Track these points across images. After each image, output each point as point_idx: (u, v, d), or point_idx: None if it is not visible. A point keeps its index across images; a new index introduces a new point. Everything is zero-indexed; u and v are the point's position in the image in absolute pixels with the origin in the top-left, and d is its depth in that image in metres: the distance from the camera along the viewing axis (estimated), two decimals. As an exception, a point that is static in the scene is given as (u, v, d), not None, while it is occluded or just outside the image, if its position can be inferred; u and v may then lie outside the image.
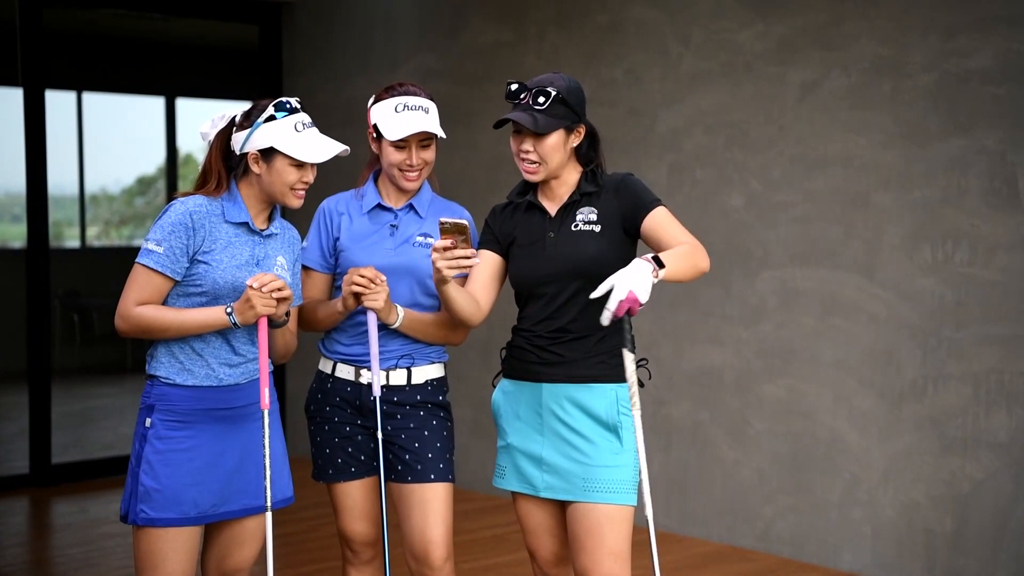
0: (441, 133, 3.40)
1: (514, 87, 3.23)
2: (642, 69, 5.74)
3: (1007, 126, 4.58)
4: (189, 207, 3.13)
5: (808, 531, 5.20)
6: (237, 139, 3.18)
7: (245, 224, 3.20)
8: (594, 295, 3.01)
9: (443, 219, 3.10)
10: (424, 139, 3.41)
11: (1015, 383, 4.58)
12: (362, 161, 3.63)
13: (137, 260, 3.12)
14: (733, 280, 5.42)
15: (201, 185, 3.21)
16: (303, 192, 3.20)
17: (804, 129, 5.17)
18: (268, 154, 3.15)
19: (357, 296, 3.32)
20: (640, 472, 3.14)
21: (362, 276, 3.29)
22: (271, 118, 3.14)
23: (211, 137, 3.23)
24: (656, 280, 3.01)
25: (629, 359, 3.10)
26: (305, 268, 3.52)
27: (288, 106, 3.16)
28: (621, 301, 2.94)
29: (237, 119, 3.20)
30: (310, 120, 3.20)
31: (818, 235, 5.13)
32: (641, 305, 2.96)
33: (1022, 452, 4.57)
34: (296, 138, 3.14)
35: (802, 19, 5.15)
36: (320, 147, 3.17)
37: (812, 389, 5.17)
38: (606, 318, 2.97)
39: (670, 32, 5.62)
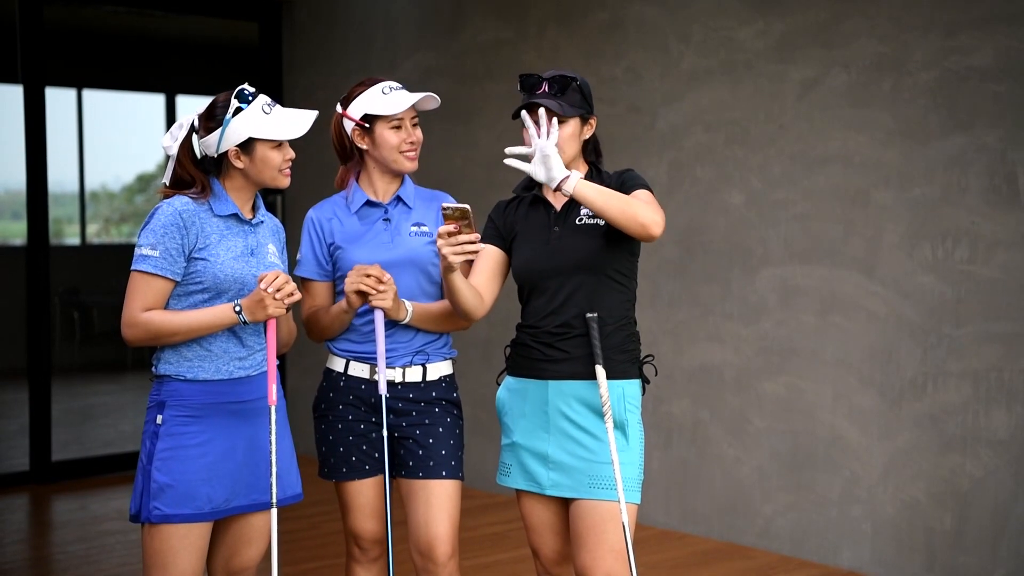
0: (437, 98, 3.48)
1: (530, 78, 3.25)
2: (642, 67, 5.74)
3: (1007, 124, 4.58)
4: (177, 207, 3.13)
5: (808, 528, 5.20)
6: (208, 142, 3.17)
7: (234, 215, 3.20)
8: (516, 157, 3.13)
9: (445, 204, 3.11)
10: (414, 117, 3.48)
11: (1015, 381, 4.58)
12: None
13: (133, 267, 3.11)
14: (733, 278, 5.42)
15: (176, 189, 3.20)
16: (289, 170, 3.23)
17: (804, 127, 5.17)
18: (247, 146, 3.15)
19: (363, 295, 3.32)
20: (616, 480, 3.15)
21: (369, 276, 3.30)
22: (238, 110, 3.14)
23: (175, 150, 3.22)
24: (570, 177, 3.07)
25: (601, 375, 3.12)
26: (304, 280, 3.53)
27: (248, 94, 3.17)
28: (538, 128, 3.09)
29: (196, 123, 3.20)
30: (271, 99, 3.22)
31: (818, 233, 5.14)
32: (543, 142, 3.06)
33: (1022, 450, 4.57)
34: (269, 120, 3.15)
35: (802, 17, 5.15)
36: (295, 121, 3.18)
37: (812, 387, 5.17)
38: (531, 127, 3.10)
39: (670, 30, 5.62)
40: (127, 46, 11.20)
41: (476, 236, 3.13)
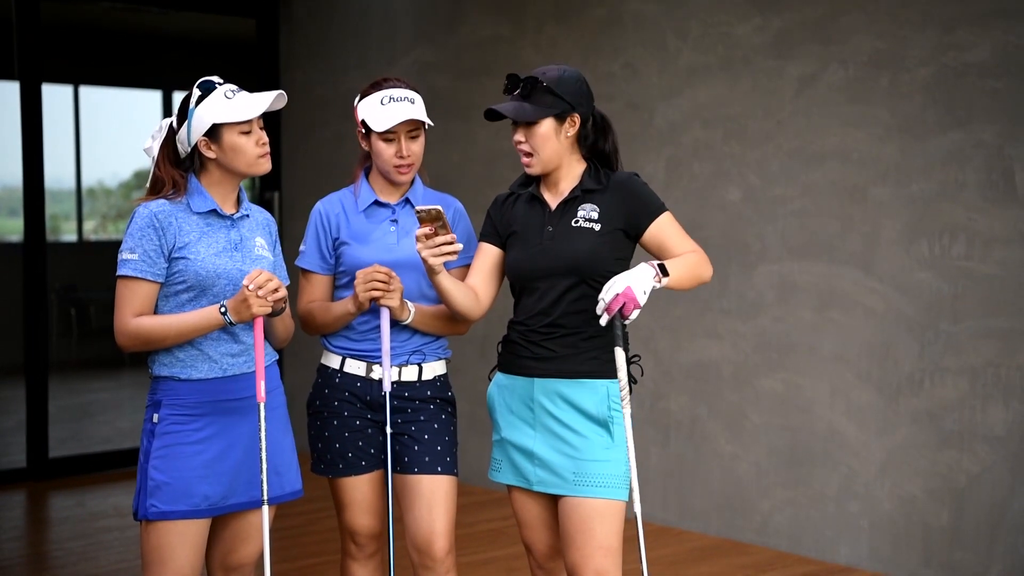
0: (428, 120, 3.42)
1: (509, 81, 3.24)
2: (640, 63, 5.74)
3: (1005, 120, 4.58)
4: (152, 209, 3.14)
5: (805, 524, 5.20)
6: (181, 137, 3.19)
7: (213, 211, 3.20)
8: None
9: (418, 208, 3.13)
10: (412, 130, 3.43)
11: (1012, 377, 4.58)
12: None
13: (116, 274, 3.13)
14: (731, 274, 5.42)
15: (154, 193, 3.21)
16: (266, 152, 3.22)
17: (802, 123, 5.17)
18: (215, 134, 3.16)
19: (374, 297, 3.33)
20: (631, 469, 3.14)
21: (379, 274, 3.29)
22: (200, 100, 3.15)
23: (155, 151, 3.24)
24: (658, 286, 3.07)
25: (621, 358, 3.11)
26: (305, 272, 3.53)
27: (211, 83, 3.18)
28: (617, 295, 2.99)
29: (174, 125, 3.22)
30: (236, 86, 3.22)
31: (816, 229, 5.14)
32: (637, 307, 3.00)
33: (1019, 445, 4.58)
34: (231, 104, 3.16)
35: (800, 13, 5.15)
36: (256, 102, 3.18)
37: (809, 383, 5.17)
38: (600, 307, 3.04)
39: (668, 26, 5.61)
40: (124, 42, 11.18)
41: (452, 237, 3.14)
